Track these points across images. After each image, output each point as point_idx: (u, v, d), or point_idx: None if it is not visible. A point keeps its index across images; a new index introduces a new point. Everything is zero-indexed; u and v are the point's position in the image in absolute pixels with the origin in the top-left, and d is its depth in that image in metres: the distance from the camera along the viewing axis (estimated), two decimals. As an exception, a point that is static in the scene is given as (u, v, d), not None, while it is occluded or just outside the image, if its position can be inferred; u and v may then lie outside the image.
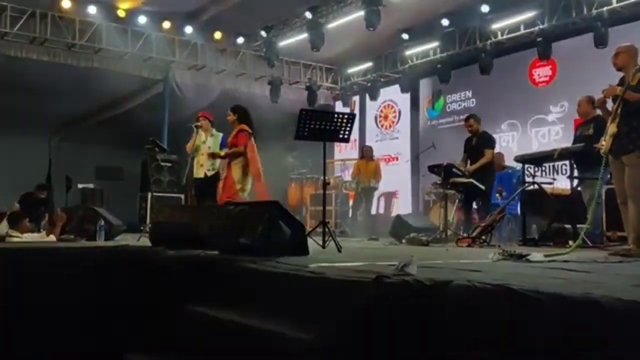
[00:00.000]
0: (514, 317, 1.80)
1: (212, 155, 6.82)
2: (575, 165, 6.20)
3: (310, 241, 4.23)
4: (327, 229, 4.87)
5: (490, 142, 7.74)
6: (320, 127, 5.03)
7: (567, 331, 1.65)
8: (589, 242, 5.56)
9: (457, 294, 1.97)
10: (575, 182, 6.25)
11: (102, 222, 5.94)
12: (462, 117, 11.60)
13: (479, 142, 7.66)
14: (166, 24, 11.21)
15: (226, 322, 2.82)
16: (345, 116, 5.16)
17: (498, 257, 3.88)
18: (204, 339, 2.95)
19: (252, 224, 3.72)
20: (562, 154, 6.18)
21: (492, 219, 6.43)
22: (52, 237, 5.62)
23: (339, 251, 4.47)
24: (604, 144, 4.71)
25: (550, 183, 6.68)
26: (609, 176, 5.40)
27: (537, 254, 3.84)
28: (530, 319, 1.76)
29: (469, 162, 7.70)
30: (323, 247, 4.75)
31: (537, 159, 6.65)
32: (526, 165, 6.67)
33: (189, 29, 11.39)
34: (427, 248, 6.07)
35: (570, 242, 5.62)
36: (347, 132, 5.15)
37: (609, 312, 1.58)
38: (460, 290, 1.98)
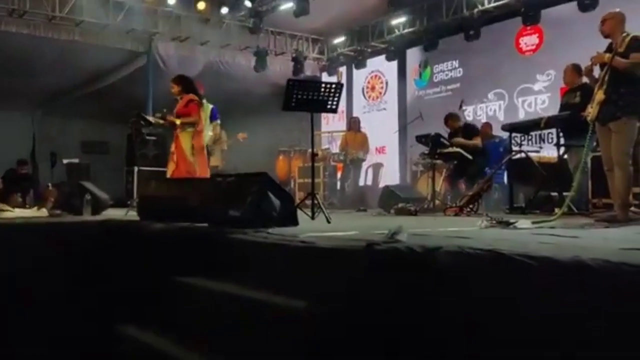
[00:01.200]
0: (504, 281, 1.82)
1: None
2: (561, 133, 6.23)
3: (299, 213, 4.23)
4: (316, 201, 4.88)
5: (475, 130, 7.95)
6: (308, 97, 4.99)
7: (558, 293, 1.67)
8: (575, 209, 5.63)
9: (447, 260, 1.99)
10: (562, 150, 6.29)
11: (89, 197, 5.88)
12: (449, 87, 11.66)
13: (466, 135, 7.76)
14: (148, -5, 10.99)
15: (217, 293, 2.83)
16: (333, 86, 5.12)
17: (486, 224, 3.92)
18: (195, 311, 2.96)
19: (241, 195, 3.70)
20: (549, 122, 6.20)
21: (479, 187, 6.48)
22: (44, 211, 5.57)
23: (329, 222, 4.49)
24: (591, 111, 4.73)
25: (537, 151, 6.73)
26: (595, 143, 5.43)
27: (524, 221, 3.89)
28: (521, 283, 1.78)
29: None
30: (312, 218, 4.76)
31: (524, 128, 6.68)
32: (513, 134, 6.70)
33: (172, 0, 11.17)
34: (416, 217, 6.11)
35: (557, 210, 5.68)
36: (334, 103, 5.11)
37: (598, 275, 1.60)
38: (451, 256, 2.00)
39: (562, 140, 6.22)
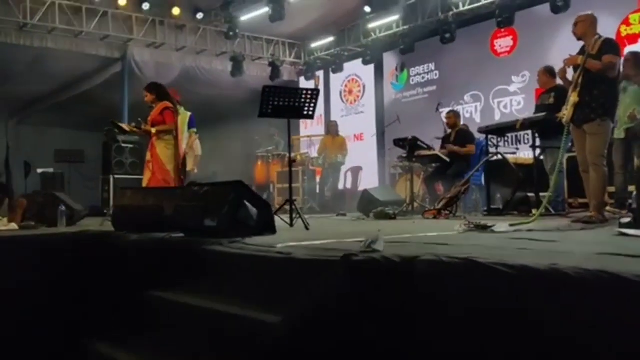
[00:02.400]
0: (481, 290, 1.80)
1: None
2: (537, 135, 6.28)
3: (277, 220, 4.19)
4: (294, 207, 4.84)
5: (471, 137, 7.92)
6: (284, 104, 4.95)
7: (534, 302, 1.66)
8: (551, 210, 5.68)
9: (424, 269, 1.97)
10: (538, 151, 6.35)
11: (63, 208, 5.75)
12: (426, 89, 11.73)
13: (458, 138, 7.76)
14: (122, 1, 10.85)
15: (192, 306, 2.78)
16: (309, 92, 5.08)
17: (464, 228, 3.92)
18: (169, 324, 2.91)
19: (217, 205, 3.65)
20: (525, 124, 6.25)
21: (457, 190, 6.50)
22: (14, 225, 5.43)
23: (307, 229, 4.45)
24: (566, 113, 4.77)
25: (514, 153, 6.79)
26: (570, 144, 5.49)
27: (502, 224, 3.89)
28: (498, 292, 1.76)
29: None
30: (291, 225, 4.72)
31: (500, 130, 6.73)
32: (490, 136, 6.74)
33: (146, 5, 11.04)
34: (395, 221, 6.10)
35: (534, 211, 5.73)
36: (311, 108, 5.08)
37: (575, 283, 1.60)
38: (428, 266, 1.98)
39: (537, 142, 6.28)
